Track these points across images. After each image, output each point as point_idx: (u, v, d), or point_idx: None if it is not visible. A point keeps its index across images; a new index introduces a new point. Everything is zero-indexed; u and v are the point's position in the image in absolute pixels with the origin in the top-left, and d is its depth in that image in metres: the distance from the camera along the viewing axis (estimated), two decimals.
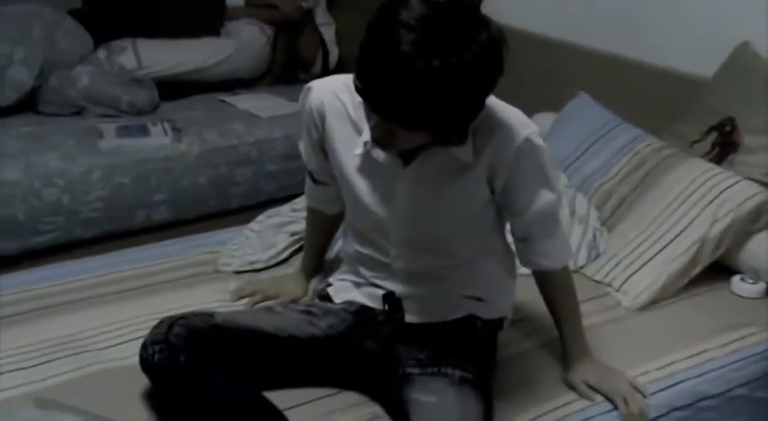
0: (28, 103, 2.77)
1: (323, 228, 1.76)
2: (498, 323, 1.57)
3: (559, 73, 2.59)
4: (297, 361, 1.49)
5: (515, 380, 1.56)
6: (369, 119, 1.29)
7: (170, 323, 1.39)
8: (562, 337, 1.58)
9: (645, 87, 2.38)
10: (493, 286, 1.55)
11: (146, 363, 1.38)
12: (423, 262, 1.50)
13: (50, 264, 1.96)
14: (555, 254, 1.51)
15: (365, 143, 1.38)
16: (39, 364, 1.51)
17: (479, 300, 1.53)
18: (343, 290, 1.61)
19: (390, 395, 1.44)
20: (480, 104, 1.27)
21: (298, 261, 1.89)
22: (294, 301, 1.71)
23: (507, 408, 1.47)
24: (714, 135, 2.11)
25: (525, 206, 1.43)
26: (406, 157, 1.39)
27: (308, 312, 1.57)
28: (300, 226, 2.03)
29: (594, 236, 2.02)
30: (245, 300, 1.74)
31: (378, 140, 1.31)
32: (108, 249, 2.12)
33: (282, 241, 1.99)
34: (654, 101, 2.33)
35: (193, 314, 1.45)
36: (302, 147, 1.59)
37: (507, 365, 1.60)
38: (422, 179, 1.40)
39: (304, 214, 2.06)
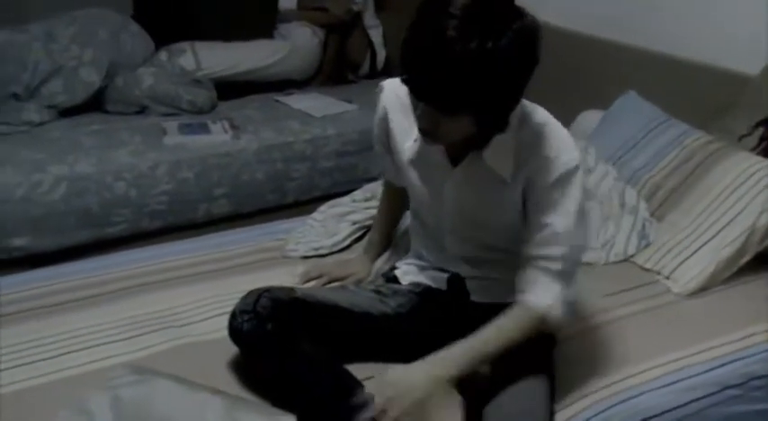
0: (96, 103, 2.91)
1: (394, 200, 1.83)
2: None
3: (607, 71, 2.66)
4: (370, 335, 1.58)
5: (573, 358, 1.63)
6: (415, 109, 1.34)
7: (257, 294, 1.50)
8: (455, 345, 1.41)
9: (691, 84, 2.44)
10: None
11: (235, 331, 1.49)
12: (474, 252, 1.59)
13: (131, 249, 2.08)
14: (541, 294, 1.44)
15: (417, 137, 1.48)
16: (131, 337, 1.62)
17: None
18: (409, 272, 1.71)
19: None
20: (518, 91, 1.33)
21: (359, 248, 1.99)
22: (359, 282, 1.80)
23: (564, 384, 1.54)
24: (761, 130, 2.17)
25: (536, 231, 1.44)
26: (455, 159, 1.47)
27: (378, 292, 1.68)
28: (360, 215, 2.14)
29: (644, 225, 2.10)
30: (312, 283, 1.83)
31: (423, 131, 1.37)
32: (173, 241, 2.24)
33: (344, 229, 2.09)
34: (700, 97, 2.40)
35: (276, 288, 1.55)
36: (375, 135, 1.69)
37: (565, 343, 1.67)
38: (466, 183, 1.48)
39: (364, 205, 2.19)
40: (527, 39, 1.27)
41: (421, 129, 1.37)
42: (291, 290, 1.58)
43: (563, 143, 1.42)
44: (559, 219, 1.41)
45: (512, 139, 1.41)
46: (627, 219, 2.10)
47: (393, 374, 1.36)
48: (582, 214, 1.45)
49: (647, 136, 2.25)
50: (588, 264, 2.02)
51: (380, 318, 1.60)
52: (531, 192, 1.43)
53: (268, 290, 1.52)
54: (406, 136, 1.54)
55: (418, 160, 1.53)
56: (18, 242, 2.41)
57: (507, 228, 1.51)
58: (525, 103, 1.44)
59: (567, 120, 2.53)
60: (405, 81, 1.31)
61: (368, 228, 2.11)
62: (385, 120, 1.60)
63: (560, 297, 1.44)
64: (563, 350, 1.65)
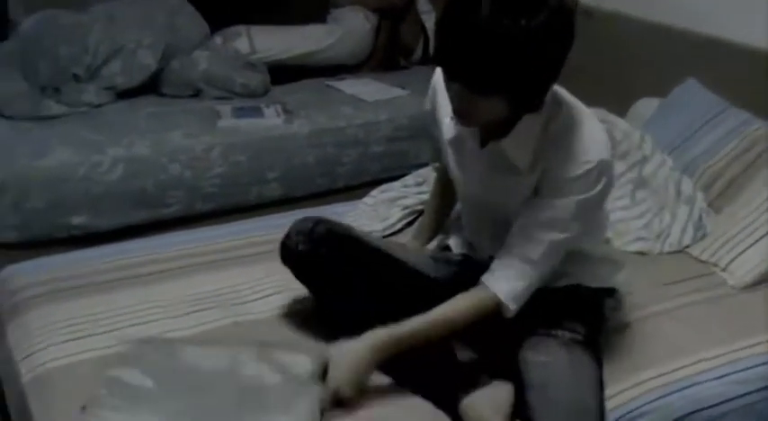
0: (152, 85, 2.96)
1: (446, 185, 1.77)
2: (606, 292, 1.62)
3: (666, 58, 2.61)
4: (416, 293, 1.55)
5: (625, 347, 1.62)
6: (448, 89, 1.32)
7: (315, 220, 1.56)
8: (404, 323, 1.42)
9: (753, 72, 2.37)
10: (578, 260, 1.55)
11: (288, 251, 1.56)
12: (497, 233, 1.55)
13: (184, 230, 2.12)
14: (504, 279, 1.42)
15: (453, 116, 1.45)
16: (187, 314, 1.66)
17: (577, 268, 1.56)
18: (459, 245, 1.72)
19: (502, 354, 1.50)
20: (553, 72, 1.30)
21: (410, 233, 1.99)
22: None
23: (615, 372, 1.53)
24: None
25: (530, 213, 1.42)
26: (485, 141, 1.45)
27: (435, 258, 1.70)
28: (411, 200, 2.15)
29: (700, 216, 2.06)
30: None
31: (456, 111, 1.35)
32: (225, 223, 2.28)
33: (395, 214, 2.10)
34: (762, 86, 2.33)
35: (334, 221, 1.60)
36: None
37: (617, 333, 1.66)
38: (490, 165, 1.46)
39: (415, 190, 2.20)
40: (562, 17, 1.25)
41: (453, 110, 1.36)
42: (350, 228, 1.62)
43: (591, 142, 1.37)
44: (560, 214, 1.38)
45: (537, 130, 1.38)
46: (683, 209, 2.07)
47: (337, 351, 1.41)
48: (586, 216, 1.41)
49: (707, 125, 2.20)
50: (642, 253, 2.00)
51: (430, 280, 1.60)
52: (543, 183, 1.40)
53: (326, 221, 1.57)
54: (447, 115, 1.52)
55: (454, 140, 1.53)
56: (77, 220, 2.47)
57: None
58: (563, 94, 1.41)
59: (623, 108, 2.52)
60: (437, 60, 1.30)
61: (419, 213, 2.11)
62: (434, 98, 1.59)
63: (523, 293, 1.43)
64: (617, 338, 1.64)
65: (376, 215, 2.10)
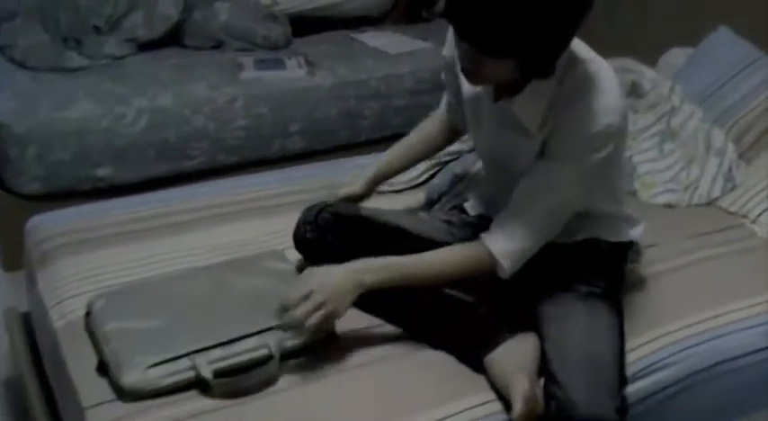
0: (173, 37, 2.94)
1: (429, 137, 1.77)
2: (625, 246, 1.60)
3: (698, 6, 2.55)
4: None
5: (650, 299, 1.62)
6: (458, 47, 1.30)
7: (320, 208, 1.58)
8: (389, 258, 1.40)
9: None
10: (596, 215, 1.53)
11: (298, 240, 1.59)
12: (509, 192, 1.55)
13: (209, 181, 2.13)
14: (502, 238, 1.39)
15: None
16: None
17: (593, 224, 1.53)
18: (477, 206, 1.70)
19: (520, 308, 1.50)
20: (565, 36, 1.26)
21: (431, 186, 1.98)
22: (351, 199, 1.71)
23: (639, 325, 1.53)
24: None
25: (533, 175, 1.38)
26: (498, 94, 1.41)
27: (449, 222, 1.68)
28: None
29: (730, 168, 2.03)
30: None
31: (465, 70, 1.33)
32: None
33: (420, 166, 2.07)
34: None
35: (342, 204, 1.62)
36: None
37: (641, 285, 1.66)
38: (500, 122, 1.44)
39: None
40: None
41: (461, 68, 1.33)
42: (356, 207, 1.62)
43: (603, 106, 1.31)
44: (562, 177, 1.35)
45: (548, 90, 1.34)
46: (712, 161, 2.04)
47: (315, 270, 1.39)
48: (592, 180, 1.38)
49: (739, 75, 2.16)
50: (669, 205, 1.98)
51: (442, 246, 1.59)
52: (549, 145, 1.36)
53: (332, 204, 1.60)
54: None
55: (471, 94, 1.51)
56: (101, 172, 2.48)
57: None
58: (581, 50, 1.35)
59: (653, 58, 2.47)
60: (448, 17, 1.26)
61: (443, 165, 2.10)
62: (454, 51, 1.52)
63: (520, 255, 1.39)
64: (641, 291, 1.63)
65: None
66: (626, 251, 1.61)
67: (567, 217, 1.42)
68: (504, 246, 1.38)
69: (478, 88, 1.45)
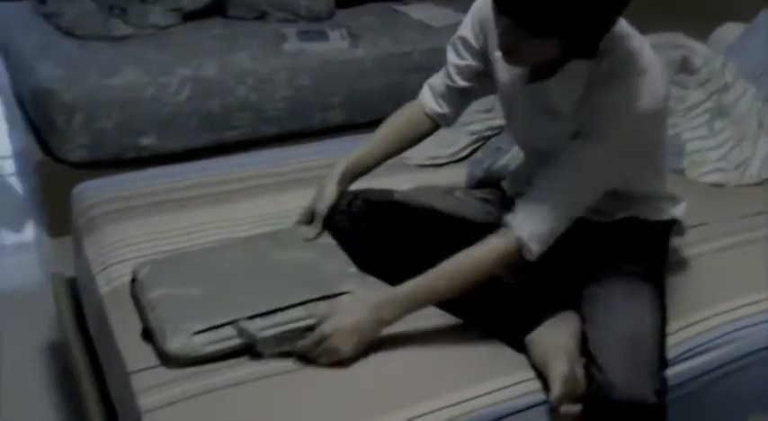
0: (217, 7, 2.94)
1: (409, 127, 1.63)
2: (668, 225, 1.57)
3: None
4: (466, 243, 1.48)
5: (694, 280, 1.59)
6: (497, 24, 1.23)
7: (353, 195, 1.57)
8: (409, 284, 1.35)
9: None
10: (638, 194, 1.49)
11: (333, 229, 1.56)
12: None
13: (251, 152, 2.14)
14: (530, 220, 1.33)
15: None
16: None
17: (634, 203, 1.50)
18: (515, 184, 1.67)
19: (561, 287, 1.47)
20: (613, 14, 1.20)
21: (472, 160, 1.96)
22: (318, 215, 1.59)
23: (681, 306, 1.50)
24: None
25: (565, 156, 1.32)
26: (532, 77, 1.37)
27: (486, 200, 1.66)
28: (479, 126, 2.11)
29: None
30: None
31: (504, 48, 1.27)
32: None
33: (463, 139, 2.07)
34: None
35: (374, 190, 1.60)
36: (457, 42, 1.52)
37: (685, 265, 1.63)
38: (533, 106, 1.40)
39: (483, 116, 2.15)
40: None
41: (501, 46, 1.27)
42: (390, 192, 1.61)
43: (643, 88, 1.26)
44: (595, 158, 1.30)
45: (585, 71, 1.29)
46: (764, 140, 1.99)
47: (341, 300, 1.38)
48: (630, 160, 1.34)
49: None
50: (719, 185, 1.94)
51: (480, 227, 1.54)
52: (584, 127, 1.31)
53: (364, 191, 1.58)
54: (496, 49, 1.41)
55: (506, 80, 1.46)
56: (146, 141, 2.50)
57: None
58: (623, 27, 1.29)
59: (705, 33, 2.40)
60: None
61: (486, 139, 2.08)
62: (483, 33, 1.46)
63: (548, 236, 1.34)
64: (685, 271, 1.61)
65: (441, 141, 2.06)
66: (668, 230, 1.58)
67: (594, 198, 1.38)
68: (533, 229, 1.33)
69: (515, 73, 1.40)
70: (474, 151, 2.07)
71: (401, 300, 1.35)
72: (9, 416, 1.81)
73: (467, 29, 1.50)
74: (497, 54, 1.37)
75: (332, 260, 1.51)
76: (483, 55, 1.50)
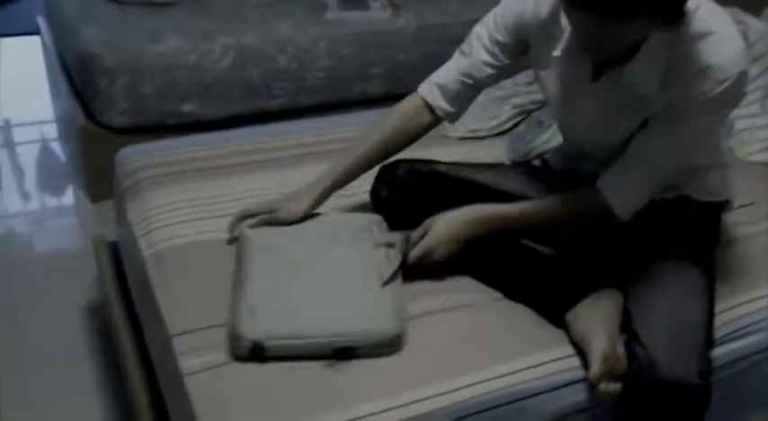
0: None
1: (399, 136, 1.55)
2: (719, 205, 1.55)
3: None
4: None
5: (742, 261, 1.56)
6: (575, 22, 1.20)
7: (395, 165, 1.58)
8: (501, 205, 1.43)
9: None
10: (691, 172, 1.47)
11: (375, 198, 1.59)
12: (611, 159, 1.48)
13: (292, 121, 2.13)
14: (621, 189, 1.38)
15: (563, 50, 1.33)
16: None
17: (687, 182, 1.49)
18: (560, 159, 1.66)
19: (605, 263, 1.46)
20: None
21: (515, 133, 1.93)
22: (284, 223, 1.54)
23: (730, 286, 1.48)
24: None
25: (657, 131, 1.32)
26: (596, 72, 1.34)
27: (530, 175, 1.65)
28: (522, 99, 2.09)
29: None
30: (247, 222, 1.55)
31: (589, 44, 1.24)
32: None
33: (505, 112, 2.05)
34: None
35: (418, 160, 1.60)
36: (487, 28, 1.48)
37: (734, 246, 1.60)
38: (606, 100, 1.36)
39: (525, 89, 2.12)
40: None
41: (584, 43, 1.24)
42: (434, 163, 1.60)
43: (726, 53, 1.24)
44: (686, 141, 1.31)
45: (662, 53, 1.26)
46: None
47: (435, 218, 1.42)
48: (712, 133, 1.35)
49: None
50: None
51: (521, 200, 1.54)
52: (673, 104, 1.29)
53: (408, 161, 1.58)
54: (545, 44, 1.39)
55: (561, 76, 1.42)
56: (187, 108, 2.51)
57: None
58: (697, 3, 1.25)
59: (759, 8, 2.32)
60: None
61: (529, 113, 2.05)
62: (523, 31, 1.42)
63: (636, 205, 1.38)
64: (733, 251, 1.58)
65: (483, 114, 2.05)
66: (720, 210, 1.55)
67: (679, 170, 1.40)
68: (623, 198, 1.37)
69: (570, 68, 1.37)
70: (516, 125, 2.05)
71: (494, 217, 1.42)
72: (51, 376, 1.85)
73: (500, 31, 1.45)
74: (554, 53, 1.35)
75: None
76: (521, 58, 1.48)
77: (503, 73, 1.52)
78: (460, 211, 1.43)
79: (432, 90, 1.54)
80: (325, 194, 1.54)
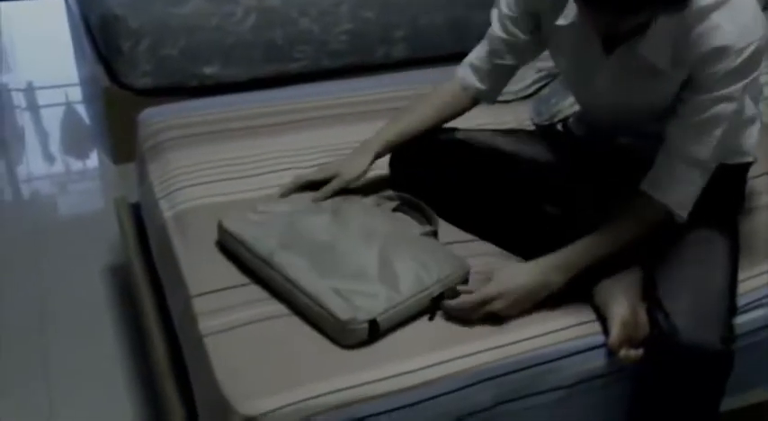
0: None
1: (447, 108, 1.56)
2: (743, 167, 1.51)
3: None
4: (525, 183, 1.50)
5: (759, 230, 1.53)
6: (591, 21, 1.22)
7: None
8: (569, 249, 1.33)
9: None
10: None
11: (393, 163, 1.58)
12: (625, 129, 1.49)
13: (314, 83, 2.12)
14: (671, 188, 1.33)
15: (572, 23, 1.31)
16: (320, 164, 1.64)
17: None
18: (583, 125, 1.63)
19: None
20: None
21: (542, 97, 1.90)
22: (345, 183, 1.53)
23: (752, 255, 1.45)
24: None
25: (692, 111, 1.29)
26: (610, 45, 1.32)
27: (552, 141, 1.63)
28: (546, 63, 2.02)
29: None
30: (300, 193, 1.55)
31: (605, 34, 1.26)
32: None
33: (530, 76, 2.02)
34: None
35: (437, 129, 1.57)
36: (501, 5, 1.48)
37: (757, 214, 1.57)
38: (619, 73, 1.34)
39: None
40: None
41: (602, 34, 1.27)
42: (453, 130, 1.58)
43: (745, 20, 1.22)
44: (724, 113, 1.27)
45: (672, 25, 1.23)
46: None
47: (501, 271, 1.33)
48: (742, 110, 1.30)
49: None
50: None
51: (544, 165, 1.54)
52: (698, 79, 1.27)
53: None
54: (553, 19, 1.36)
55: (571, 48, 1.40)
56: (209, 70, 2.50)
57: (661, 114, 1.36)
58: None
59: None
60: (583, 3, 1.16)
61: (554, 77, 2.02)
62: (530, 5, 1.42)
63: (694, 197, 1.33)
64: (758, 217, 1.55)
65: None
66: (744, 173, 1.53)
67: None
68: (677, 197, 1.33)
69: (582, 41, 1.35)
70: (540, 88, 2.02)
71: (568, 264, 1.32)
72: (74, 337, 1.88)
73: (511, 6, 1.44)
74: (560, 21, 1.33)
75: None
76: (535, 33, 1.46)
77: (524, 50, 1.49)
78: (528, 265, 1.34)
79: (466, 71, 1.55)
80: (381, 153, 1.55)
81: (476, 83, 1.53)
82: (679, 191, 1.33)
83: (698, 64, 1.25)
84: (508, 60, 1.50)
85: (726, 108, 1.27)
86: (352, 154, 1.55)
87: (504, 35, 1.47)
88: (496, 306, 1.29)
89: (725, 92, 1.26)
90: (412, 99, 1.63)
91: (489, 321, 1.29)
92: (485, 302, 1.28)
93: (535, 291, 1.31)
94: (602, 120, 1.53)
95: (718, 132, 1.29)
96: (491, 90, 1.54)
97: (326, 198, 1.50)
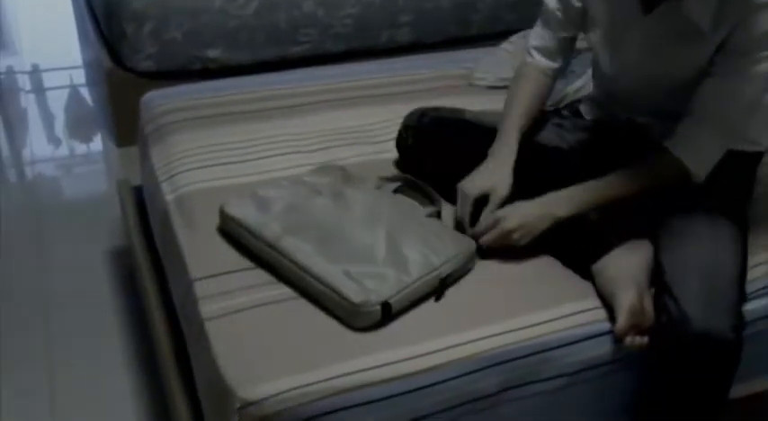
0: None
1: (539, 85, 1.56)
2: (755, 156, 1.51)
3: None
4: (534, 166, 1.48)
5: None
6: None
7: (421, 112, 1.57)
8: (579, 186, 1.37)
9: None
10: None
11: (401, 144, 1.59)
12: (647, 105, 1.47)
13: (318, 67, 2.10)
14: (695, 148, 1.34)
15: None
16: (324, 149, 1.66)
17: None
18: (593, 109, 1.62)
19: (634, 215, 1.42)
20: None
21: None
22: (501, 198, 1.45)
23: (758, 241, 1.43)
24: None
25: (727, 71, 1.29)
26: (649, 3, 1.31)
27: (560, 125, 1.61)
28: None
29: None
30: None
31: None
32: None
33: None
34: None
35: (445, 108, 1.60)
36: None
37: (763, 199, 1.55)
38: (656, 33, 1.33)
39: None
40: None
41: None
42: (459, 111, 1.59)
43: None
44: (752, 79, 1.26)
45: None
46: None
47: (509, 206, 1.37)
48: None
49: None
50: None
51: (551, 151, 1.53)
52: (735, 39, 1.26)
53: (435, 108, 1.57)
54: None
55: (607, 10, 1.40)
56: (213, 53, 2.49)
57: (694, 78, 1.35)
58: None
59: None
60: None
61: None
62: None
63: (715, 159, 1.35)
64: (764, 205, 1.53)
65: (516, 61, 1.99)
66: (756, 161, 1.52)
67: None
68: (700, 156, 1.34)
69: (628, 6, 1.35)
70: None
71: (573, 197, 1.36)
72: (76, 318, 1.87)
73: None
74: None
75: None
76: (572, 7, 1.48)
77: (578, 20, 1.50)
78: (534, 200, 1.37)
79: (536, 55, 1.57)
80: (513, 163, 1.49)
81: (551, 63, 1.55)
82: (700, 151, 1.34)
83: (740, 22, 1.25)
84: (569, 32, 1.53)
85: (763, 68, 1.27)
86: (492, 167, 1.46)
87: (559, 5, 1.50)
88: (506, 225, 1.34)
89: (758, 51, 1.25)
90: (507, 98, 1.57)
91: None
92: (496, 223, 1.35)
93: (538, 219, 1.35)
94: (619, 99, 1.51)
95: (752, 94, 1.29)
96: (564, 65, 1.58)
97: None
